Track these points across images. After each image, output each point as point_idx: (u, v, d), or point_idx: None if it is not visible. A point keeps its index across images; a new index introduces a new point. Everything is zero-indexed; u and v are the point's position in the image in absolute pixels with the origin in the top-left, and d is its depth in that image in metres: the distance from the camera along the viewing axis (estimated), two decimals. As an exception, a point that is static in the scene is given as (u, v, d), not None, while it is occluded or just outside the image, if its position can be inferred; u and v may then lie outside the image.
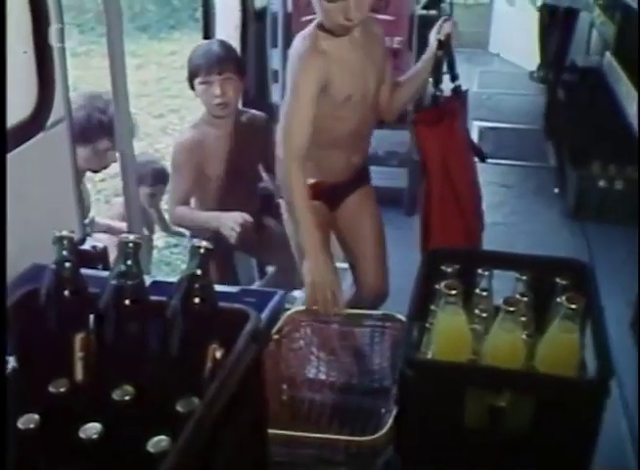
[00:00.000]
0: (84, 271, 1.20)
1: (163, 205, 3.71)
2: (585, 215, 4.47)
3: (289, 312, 1.89)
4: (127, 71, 2.00)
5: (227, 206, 2.80)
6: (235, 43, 3.32)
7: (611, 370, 1.33)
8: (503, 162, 5.31)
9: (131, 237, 1.15)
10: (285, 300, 1.78)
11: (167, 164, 3.32)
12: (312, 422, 1.73)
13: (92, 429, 1.02)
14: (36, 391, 1.10)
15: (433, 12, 5.36)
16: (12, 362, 1.14)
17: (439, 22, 2.34)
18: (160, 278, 1.56)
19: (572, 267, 1.69)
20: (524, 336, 1.44)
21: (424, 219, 2.41)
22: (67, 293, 1.14)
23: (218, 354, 1.14)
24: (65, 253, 1.13)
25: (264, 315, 1.65)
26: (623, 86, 3.88)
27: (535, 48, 7.10)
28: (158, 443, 1.01)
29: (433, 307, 1.55)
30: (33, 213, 1.78)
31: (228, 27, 3.43)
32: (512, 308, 1.34)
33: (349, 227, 2.53)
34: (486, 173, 5.09)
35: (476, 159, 2.55)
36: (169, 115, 6.81)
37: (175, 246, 4.45)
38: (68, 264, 1.14)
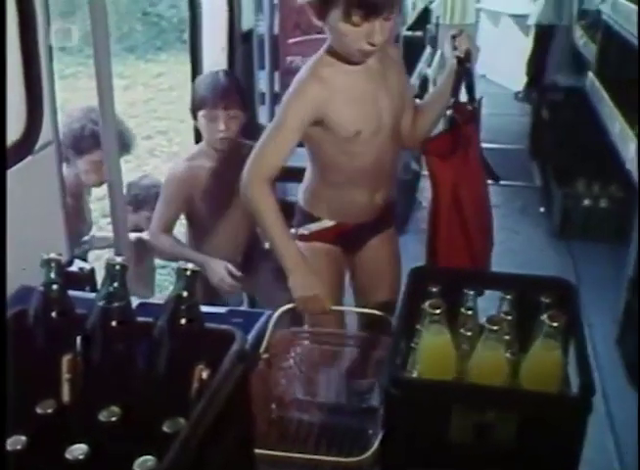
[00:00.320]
0: (72, 293, 1.21)
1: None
2: (571, 234, 4.51)
3: (279, 331, 1.89)
4: (115, 93, 2.01)
5: (218, 237, 2.82)
6: (222, 65, 3.35)
7: (593, 387, 1.34)
8: (489, 182, 5.34)
9: (118, 259, 1.16)
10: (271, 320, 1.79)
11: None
12: (300, 442, 1.74)
13: (78, 450, 1.02)
14: (24, 412, 1.10)
15: (418, 33, 5.43)
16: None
17: (451, 36, 2.15)
18: (146, 299, 1.57)
19: (557, 286, 1.71)
20: (507, 354, 1.46)
21: (430, 244, 2.28)
22: (54, 315, 1.15)
23: (205, 375, 1.15)
24: (52, 275, 1.14)
25: (251, 336, 1.67)
26: (606, 106, 3.93)
27: (520, 69, 7.19)
28: (144, 463, 1.02)
29: (418, 327, 1.56)
30: (22, 236, 1.79)
31: (215, 49, 3.46)
32: (495, 327, 1.35)
33: (367, 276, 2.39)
34: (473, 193, 5.17)
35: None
36: (157, 136, 6.84)
37: (163, 267, 4.45)
38: (55, 287, 1.15)
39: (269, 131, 2.03)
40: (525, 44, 7.31)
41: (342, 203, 2.20)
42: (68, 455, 1.02)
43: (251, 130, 3.13)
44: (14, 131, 1.86)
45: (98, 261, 3.45)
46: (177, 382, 1.14)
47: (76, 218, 2.82)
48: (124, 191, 2.79)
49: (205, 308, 1.20)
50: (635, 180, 3.12)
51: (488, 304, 1.65)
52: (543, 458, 1.37)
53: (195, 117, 2.77)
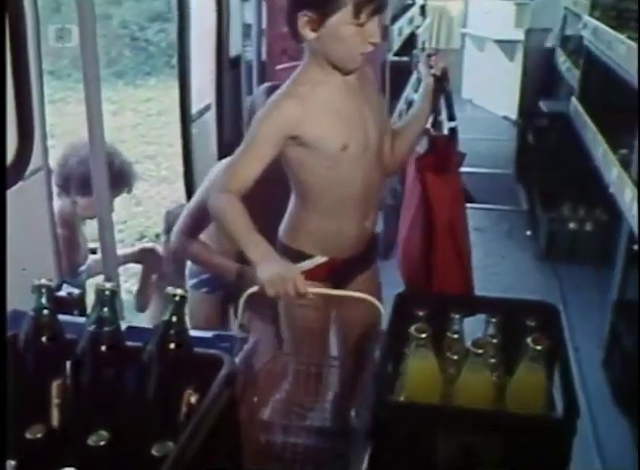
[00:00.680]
0: (61, 317, 1.22)
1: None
2: (557, 257, 4.55)
3: (274, 355, 1.91)
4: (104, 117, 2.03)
5: None
6: (210, 90, 3.37)
7: (577, 409, 1.36)
8: (475, 205, 5.39)
9: (107, 285, 1.18)
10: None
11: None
12: (287, 465, 1.74)
13: (68, 474, 1.03)
14: (13, 436, 1.11)
15: (404, 58, 5.49)
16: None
17: (426, 55, 2.16)
18: (135, 324, 1.58)
19: (541, 309, 1.74)
20: (493, 377, 1.48)
21: (423, 268, 2.24)
22: (44, 340, 1.16)
23: (193, 399, 1.16)
24: (43, 300, 1.16)
25: (238, 360, 1.68)
26: (589, 131, 3.98)
27: (505, 94, 7.26)
28: (133, 487, 1.03)
29: (405, 351, 1.58)
30: (11, 260, 1.80)
31: (203, 74, 3.49)
32: (480, 351, 1.37)
33: (352, 312, 2.22)
34: (459, 217, 5.21)
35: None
36: (145, 161, 6.85)
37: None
38: (46, 312, 1.16)
39: (241, 147, 1.98)
40: (511, 69, 7.39)
41: (332, 233, 2.09)
42: (57, 480, 1.03)
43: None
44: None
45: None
46: (166, 406, 1.15)
47: (71, 249, 2.81)
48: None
49: (191, 333, 1.22)
50: (619, 204, 3.16)
51: (475, 327, 1.67)
52: (529, 480, 1.39)
53: None
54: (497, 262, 4.55)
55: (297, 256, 2.11)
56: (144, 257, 3.07)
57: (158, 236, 4.70)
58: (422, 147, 2.28)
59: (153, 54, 10.56)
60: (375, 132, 2.06)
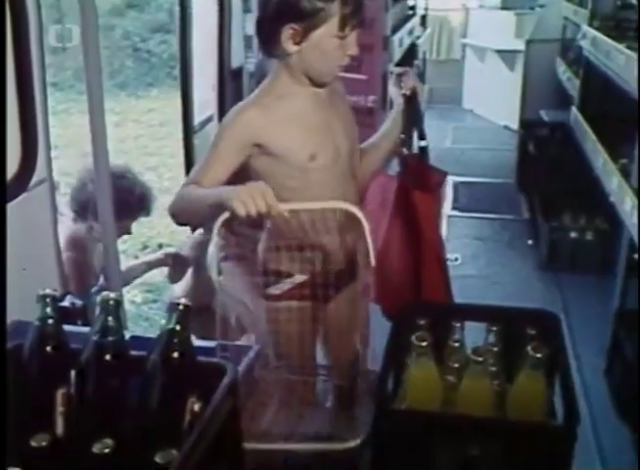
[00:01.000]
0: (64, 327, 1.23)
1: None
2: (558, 266, 4.56)
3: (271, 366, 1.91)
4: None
5: None
6: (212, 101, 3.39)
7: (577, 416, 1.37)
8: (477, 215, 5.42)
9: (112, 294, 1.19)
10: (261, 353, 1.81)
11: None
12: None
13: (73, 482, 1.05)
14: (18, 445, 1.12)
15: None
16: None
17: (395, 75, 2.16)
18: (138, 333, 1.59)
19: (542, 317, 1.74)
20: (494, 385, 1.49)
21: (412, 282, 2.23)
22: (49, 349, 1.17)
23: (196, 407, 1.17)
24: (48, 310, 1.17)
25: (240, 369, 1.69)
26: (589, 140, 4.00)
27: (506, 104, 7.29)
28: (137, 494, 1.04)
29: (407, 359, 1.59)
30: (15, 272, 1.82)
31: (205, 86, 3.52)
32: (480, 358, 1.39)
33: (337, 328, 2.21)
34: (460, 226, 5.24)
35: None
36: (147, 172, 6.87)
37: (154, 301, 4.47)
38: (51, 321, 1.17)
39: (205, 155, 1.98)
40: (511, 79, 7.42)
41: (309, 249, 2.04)
42: (62, 488, 1.04)
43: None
44: (8, 169, 1.89)
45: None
46: (169, 414, 1.16)
47: (82, 271, 2.80)
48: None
49: (194, 342, 1.23)
50: (620, 213, 3.18)
51: (476, 335, 1.68)
52: (530, 488, 1.39)
53: None
54: (498, 272, 4.57)
55: (276, 275, 2.08)
56: (169, 261, 3.06)
57: (160, 246, 4.72)
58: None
59: (155, 65, 10.61)
60: (346, 145, 2.05)
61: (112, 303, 1.19)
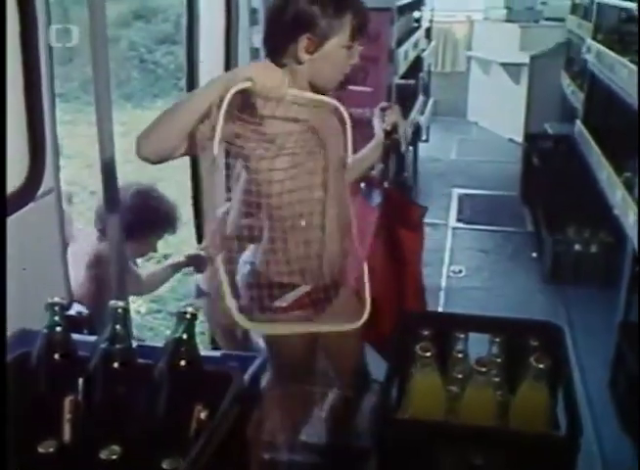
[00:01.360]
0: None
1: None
2: (562, 279, 4.56)
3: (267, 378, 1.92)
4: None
5: None
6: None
7: (580, 427, 1.38)
8: (481, 227, 5.43)
9: (120, 303, 1.21)
10: (267, 363, 1.82)
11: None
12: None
13: (80, 488, 1.06)
14: (26, 451, 1.13)
15: (410, 81, 5.54)
16: None
17: (380, 109, 2.23)
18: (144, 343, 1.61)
19: (545, 329, 1.76)
20: (497, 395, 1.50)
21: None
22: (57, 356, 1.19)
23: (203, 415, 1.19)
24: (56, 318, 1.19)
25: (246, 378, 1.70)
26: (593, 153, 4.01)
27: (511, 116, 7.31)
28: (144, 501, 1.05)
29: (411, 369, 1.60)
30: (22, 280, 1.83)
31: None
32: (483, 369, 1.40)
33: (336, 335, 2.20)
34: (465, 239, 5.25)
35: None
36: (153, 182, 6.90)
37: (158, 311, 4.48)
38: (59, 329, 1.19)
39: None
40: (516, 92, 7.45)
41: (308, 259, 2.07)
42: (69, 493, 1.05)
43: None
44: (16, 178, 1.91)
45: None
46: (176, 422, 1.18)
47: (102, 289, 2.73)
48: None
49: (201, 352, 1.25)
50: (624, 226, 3.18)
51: (481, 347, 1.69)
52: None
53: None
54: (502, 284, 4.57)
55: (281, 287, 2.10)
56: (193, 262, 3.06)
57: (166, 257, 4.73)
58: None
59: (161, 76, 10.64)
60: (335, 158, 2.05)
61: (120, 311, 1.20)
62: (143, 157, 1.92)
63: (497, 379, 1.53)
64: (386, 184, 2.30)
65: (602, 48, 4.08)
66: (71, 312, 2.05)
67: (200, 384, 1.20)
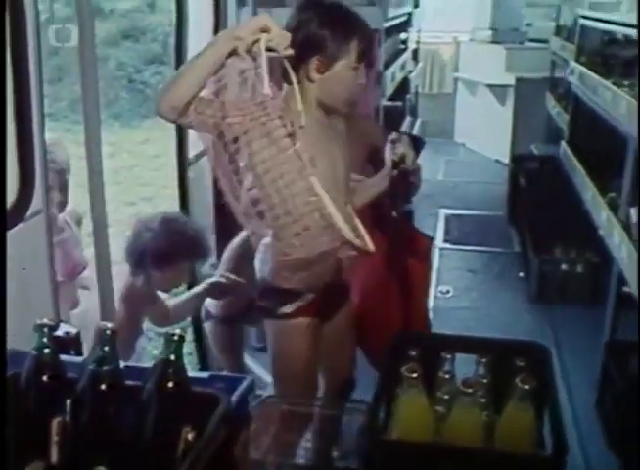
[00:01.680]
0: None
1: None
2: (549, 298, 4.58)
3: (263, 397, 1.92)
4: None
5: None
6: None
7: (565, 447, 1.39)
8: (468, 247, 5.46)
9: (108, 325, 1.21)
10: (255, 385, 1.82)
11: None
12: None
13: (68, 510, 1.05)
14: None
15: (398, 103, 5.59)
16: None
17: (390, 139, 2.30)
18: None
19: (531, 349, 1.77)
20: (483, 416, 1.51)
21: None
22: (45, 378, 1.19)
23: (190, 437, 1.19)
24: (45, 339, 1.19)
25: (233, 399, 1.70)
26: (578, 174, 4.05)
27: (497, 137, 7.36)
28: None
29: (397, 390, 1.61)
30: (10, 301, 1.83)
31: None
32: (469, 390, 1.41)
33: (332, 342, 2.37)
34: (452, 259, 5.27)
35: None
36: (141, 202, 6.90)
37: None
38: (47, 350, 1.19)
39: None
40: (502, 113, 7.51)
41: (316, 262, 2.16)
42: (56, 516, 1.05)
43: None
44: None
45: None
46: (164, 443, 1.18)
47: (130, 327, 2.74)
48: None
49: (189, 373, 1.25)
50: (609, 246, 3.21)
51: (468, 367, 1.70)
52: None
53: None
54: (489, 304, 4.59)
55: (287, 295, 2.21)
56: (213, 290, 3.03)
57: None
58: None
59: (149, 96, 10.67)
60: (342, 167, 2.20)
61: (108, 332, 1.21)
62: (161, 112, 2.00)
63: (483, 400, 1.54)
64: (394, 214, 2.41)
65: (585, 70, 4.12)
66: (59, 333, 2.05)
67: (187, 405, 1.21)
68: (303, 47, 2.05)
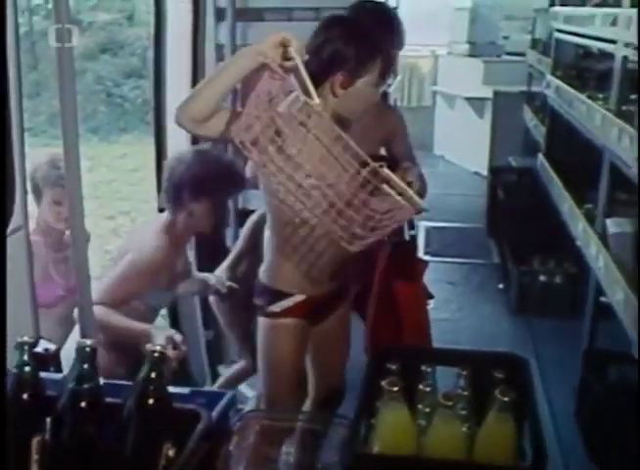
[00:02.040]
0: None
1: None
2: (528, 309, 4.61)
3: (244, 412, 1.92)
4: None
5: None
6: (186, 147, 3.42)
7: (545, 459, 1.40)
8: (448, 259, 5.49)
9: (88, 342, 1.21)
10: (236, 400, 1.82)
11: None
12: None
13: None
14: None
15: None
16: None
17: (403, 167, 2.25)
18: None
19: (510, 361, 1.78)
20: (464, 429, 1.51)
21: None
22: (26, 396, 1.18)
23: (171, 453, 1.19)
24: (25, 357, 1.19)
25: (214, 415, 1.70)
26: (555, 186, 4.09)
27: (476, 150, 7.42)
28: None
29: (378, 404, 1.61)
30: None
31: (180, 133, 3.54)
32: (450, 403, 1.41)
33: (323, 346, 2.45)
34: (432, 271, 5.24)
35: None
36: (120, 217, 6.89)
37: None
38: (27, 369, 1.19)
39: None
40: (480, 126, 7.56)
41: (307, 270, 2.23)
42: None
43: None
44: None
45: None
46: (145, 460, 1.18)
47: (170, 265, 2.73)
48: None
49: (169, 389, 1.25)
50: (586, 256, 3.24)
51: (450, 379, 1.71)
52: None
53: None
54: (469, 315, 4.61)
55: (278, 294, 2.28)
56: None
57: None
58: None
59: (128, 110, 10.66)
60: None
61: (87, 349, 1.21)
62: (180, 123, 2.00)
63: (464, 412, 1.55)
64: (396, 239, 2.46)
65: (561, 84, 4.17)
66: (38, 349, 2.04)
67: (168, 422, 1.21)
68: (329, 63, 2.11)
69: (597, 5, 3.82)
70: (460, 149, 8.12)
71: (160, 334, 2.51)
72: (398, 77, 7.90)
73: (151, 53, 3.32)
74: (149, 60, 3.41)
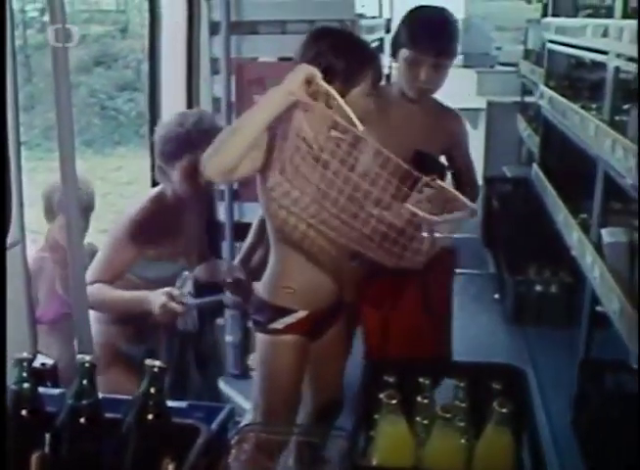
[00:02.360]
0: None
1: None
2: (525, 319, 4.60)
3: (242, 426, 1.92)
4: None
5: None
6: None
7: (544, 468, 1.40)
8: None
9: (87, 358, 1.21)
10: (234, 413, 1.82)
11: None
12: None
13: None
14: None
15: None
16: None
17: (424, 182, 2.20)
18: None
19: (508, 373, 1.79)
20: (462, 440, 1.52)
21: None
22: (25, 413, 1.18)
23: (171, 468, 1.19)
24: (24, 374, 1.19)
25: (213, 429, 1.70)
26: (550, 196, 4.10)
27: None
28: None
29: (376, 416, 1.61)
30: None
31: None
32: (448, 415, 1.42)
33: (321, 361, 2.43)
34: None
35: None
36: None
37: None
38: (26, 385, 1.19)
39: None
40: (475, 136, 7.56)
41: (309, 287, 2.23)
42: None
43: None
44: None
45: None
46: (145, 475, 1.18)
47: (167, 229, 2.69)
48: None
49: (168, 403, 1.25)
50: (581, 266, 3.25)
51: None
52: None
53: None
54: (465, 325, 4.58)
55: (278, 311, 2.26)
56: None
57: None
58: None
59: (122, 123, 10.66)
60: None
61: (87, 365, 1.21)
62: (209, 176, 2.00)
63: (462, 424, 1.55)
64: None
65: (554, 94, 4.19)
66: (36, 364, 2.03)
67: (167, 437, 1.21)
68: (322, 75, 2.06)
69: (589, 16, 3.83)
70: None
71: (156, 295, 2.49)
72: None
73: (145, 66, 3.32)
74: (143, 72, 3.42)
